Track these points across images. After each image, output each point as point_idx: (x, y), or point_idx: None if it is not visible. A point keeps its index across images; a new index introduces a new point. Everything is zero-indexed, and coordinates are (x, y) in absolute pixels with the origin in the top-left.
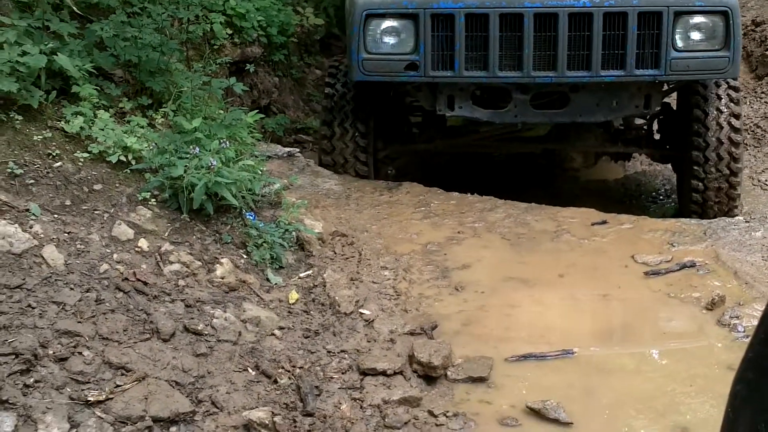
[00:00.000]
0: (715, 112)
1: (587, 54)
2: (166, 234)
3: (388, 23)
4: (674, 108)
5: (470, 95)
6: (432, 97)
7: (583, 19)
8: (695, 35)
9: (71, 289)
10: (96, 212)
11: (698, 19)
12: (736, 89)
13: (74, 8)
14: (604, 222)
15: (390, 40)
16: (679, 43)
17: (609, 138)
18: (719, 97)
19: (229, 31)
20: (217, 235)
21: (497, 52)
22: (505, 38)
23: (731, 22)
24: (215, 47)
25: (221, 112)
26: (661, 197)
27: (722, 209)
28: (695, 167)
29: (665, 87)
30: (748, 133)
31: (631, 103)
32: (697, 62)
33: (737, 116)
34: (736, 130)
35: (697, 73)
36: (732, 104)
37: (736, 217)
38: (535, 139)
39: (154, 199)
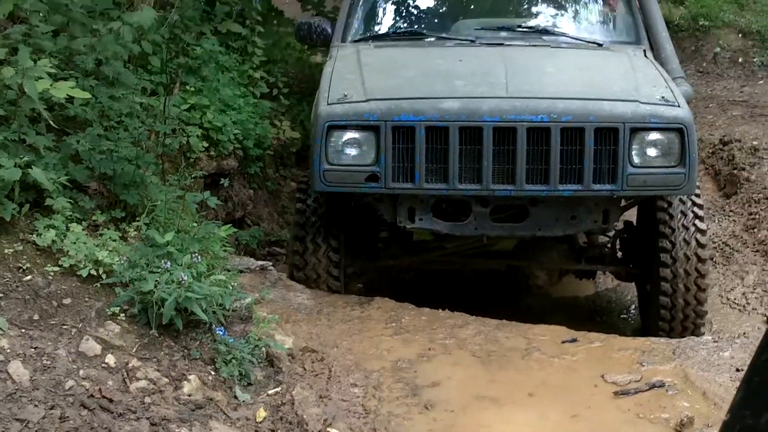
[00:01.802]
0: (681, 229)
1: (545, 168)
2: (134, 350)
3: (349, 135)
4: (635, 225)
5: (431, 207)
6: (393, 209)
7: (541, 134)
8: (651, 151)
9: (35, 405)
10: (64, 327)
11: (654, 135)
12: (700, 206)
13: (51, 122)
14: (574, 340)
15: (351, 151)
16: (636, 159)
17: (573, 255)
18: (684, 214)
19: (206, 144)
20: (185, 350)
21: (457, 165)
22: (465, 151)
23: (686, 139)
24: (191, 160)
25: (195, 225)
26: (631, 314)
27: (688, 327)
28: (662, 284)
29: (623, 203)
30: (717, 251)
31: (590, 218)
32: (654, 178)
33: (703, 232)
34: (702, 246)
35: (654, 189)
36: (697, 221)
37: (705, 337)
38: (500, 254)
39: (123, 314)
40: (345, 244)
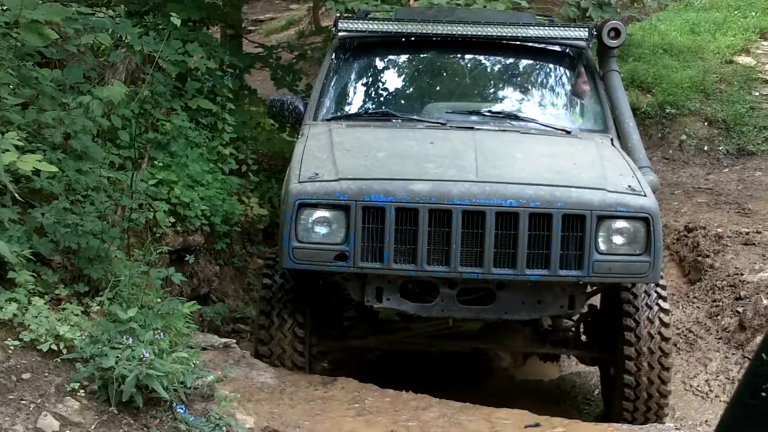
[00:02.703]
0: (645, 308)
1: (513, 252)
2: (93, 426)
3: (319, 213)
4: (599, 309)
5: (398, 288)
6: (361, 288)
7: (509, 218)
8: (617, 239)
9: None
10: (23, 402)
11: (620, 223)
12: (663, 287)
13: (16, 194)
14: (537, 424)
15: (321, 229)
16: (602, 246)
17: (537, 338)
18: (648, 294)
19: (172, 220)
20: (145, 428)
21: (425, 247)
22: (434, 233)
23: (652, 228)
24: (157, 235)
25: (159, 301)
26: (594, 399)
27: (652, 407)
28: (626, 362)
29: (589, 289)
30: (681, 338)
31: (556, 303)
32: (619, 265)
33: (666, 312)
34: (666, 325)
35: (619, 276)
36: (661, 300)
37: (667, 423)
38: (465, 336)
39: (83, 390)
40: (311, 322)
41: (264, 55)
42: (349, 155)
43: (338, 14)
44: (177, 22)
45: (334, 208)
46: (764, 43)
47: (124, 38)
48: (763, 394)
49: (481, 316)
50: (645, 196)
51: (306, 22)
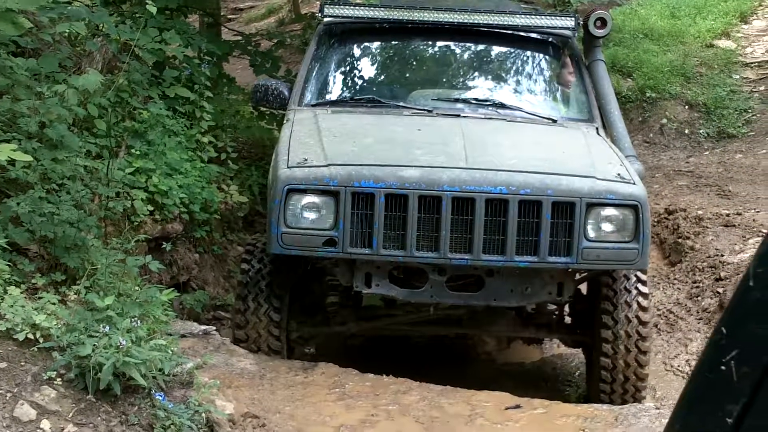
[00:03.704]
0: (624, 305)
1: (502, 239)
2: (71, 415)
3: (308, 199)
4: (585, 293)
5: (387, 274)
6: (349, 273)
7: (499, 205)
8: (606, 226)
9: None
10: None
11: (609, 211)
12: (644, 282)
13: None
14: (517, 406)
15: (310, 215)
16: (591, 234)
17: (521, 322)
18: (628, 290)
19: (151, 208)
20: (123, 416)
21: (415, 233)
22: (423, 219)
23: (641, 215)
24: (135, 223)
25: (137, 289)
26: (576, 381)
27: (629, 390)
28: (602, 358)
29: (577, 276)
30: (662, 319)
31: (544, 290)
32: (608, 252)
33: (645, 309)
34: (644, 324)
35: (607, 263)
36: (640, 298)
37: (648, 403)
38: (449, 322)
39: (60, 379)
40: (293, 308)
41: (242, 42)
42: (337, 141)
43: (318, 2)
44: (153, 10)
45: (324, 193)
46: (744, 26)
47: (100, 27)
48: (723, 368)
49: (470, 302)
50: (634, 184)
51: (286, 10)
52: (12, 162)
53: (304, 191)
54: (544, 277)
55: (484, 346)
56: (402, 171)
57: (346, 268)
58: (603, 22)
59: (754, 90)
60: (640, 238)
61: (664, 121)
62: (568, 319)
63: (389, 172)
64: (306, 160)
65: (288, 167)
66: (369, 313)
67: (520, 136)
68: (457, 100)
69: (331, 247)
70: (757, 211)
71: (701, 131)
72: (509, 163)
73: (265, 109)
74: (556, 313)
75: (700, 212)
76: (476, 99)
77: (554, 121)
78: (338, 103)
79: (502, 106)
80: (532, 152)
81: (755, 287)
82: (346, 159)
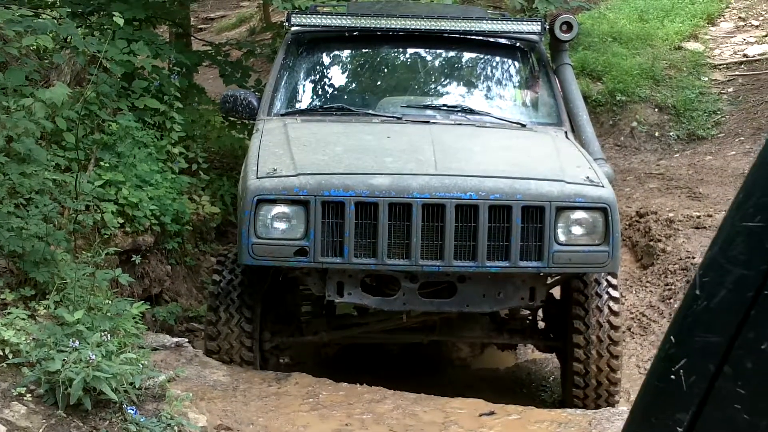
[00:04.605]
0: (595, 297)
1: (473, 245)
2: (41, 430)
3: (278, 209)
4: (558, 298)
5: (359, 282)
6: (321, 283)
7: (469, 211)
8: (576, 230)
9: None
10: None
11: (579, 214)
12: (615, 287)
13: None
14: (491, 413)
15: (280, 225)
16: (561, 237)
17: (495, 328)
18: (599, 295)
19: (121, 220)
20: (95, 430)
21: (386, 240)
22: (394, 227)
23: (610, 218)
24: (106, 237)
25: (107, 302)
26: (550, 386)
27: (602, 395)
28: (575, 363)
29: (549, 280)
30: (634, 322)
31: (516, 294)
32: (579, 256)
33: (616, 314)
34: (616, 328)
35: (578, 267)
36: (611, 302)
37: (621, 407)
38: (423, 329)
39: (30, 395)
40: (266, 318)
41: (212, 53)
42: (306, 150)
43: (285, 11)
44: (120, 21)
45: (293, 203)
46: (712, 28)
47: (68, 40)
48: (672, 377)
49: (443, 308)
50: (603, 187)
51: (257, 19)
52: None
53: (274, 201)
54: (515, 282)
55: (459, 352)
56: (372, 179)
57: (317, 277)
58: (569, 26)
59: (722, 92)
60: (611, 240)
61: (635, 124)
62: (541, 324)
63: (359, 180)
64: (275, 170)
65: (257, 177)
66: (342, 322)
67: (490, 141)
68: (426, 107)
69: (303, 257)
70: None
71: (671, 134)
72: (479, 168)
73: (234, 119)
74: (530, 318)
75: (671, 215)
76: (445, 105)
77: (523, 125)
78: (307, 112)
79: (471, 111)
80: (502, 157)
81: (701, 296)
82: (315, 168)
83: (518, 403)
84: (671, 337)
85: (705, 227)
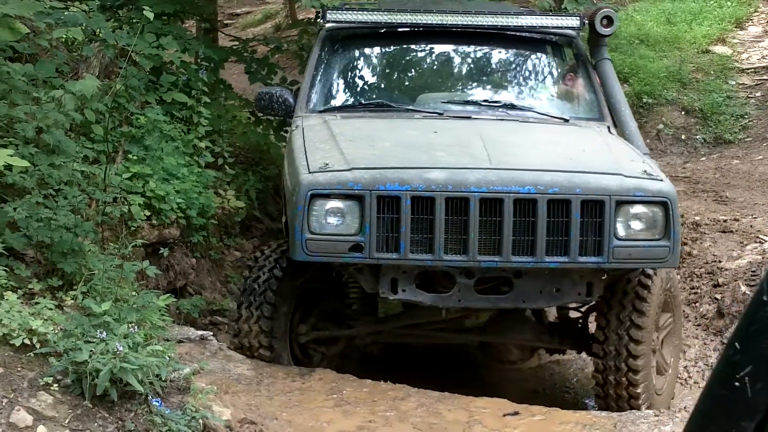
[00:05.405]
0: (622, 321)
1: (532, 239)
2: (67, 420)
3: (332, 204)
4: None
5: (414, 279)
6: (374, 279)
7: (527, 205)
8: (636, 224)
9: None
10: None
11: (639, 208)
12: (644, 286)
13: None
14: (516, 413)
15: (334, 220)
16: (621, 232)
17: (545, 331)
18: (625, 293)
19: (148, 213)
20: (120, 422)
21: (443, 236)
22: (451, 222)
23: (671, 212)
24: (132, 229)
25: (134, 294)
26: (574, 387)
27: (623, 405)
28: (593, 346)
29: (605, 276)
30: None
31: (574, 290)
32: (639, 251)
33: (641, 313)
34: (639, 328)
35: (638, 262)
36: (637, 301)
37: (646, 410)
38: (472, 330)
39: (56, 384)
40: (311, 314)
41: (239, 49)
42: (354, 145)
43: (313, 8)
44: (150, 15)
45: (348, 198)
46: (740, 32)
47: (97, 32)
48: (736, 384)
49: (499, 305)
50: (662, 180)
51: (282, 15)
52: (9, 167)
53: (328, 196)
54: (573, 277)
55: (509, 354)
56: (427, 173)
57: (370, 274)
58: (609, 20)
59: (750, 96)
60: (671, 235)
61: (661, 126)
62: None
63: (414, 175)
64: (327, 164)
65: (309, 172)
66: (389, 320)
67: (536, 135)
68: (467, 102)
69: (358, 252)
70: (755, 217)
71: (698, 137)
72: (534, 162)
73: (271, 117)
74: (580, 322)
75: (697, 218)
76: (486, 100)
77: (566, 120)
78: (346, 108)
79: (513, 107)
80: (554, 151)
81: None
82: (368, 162)
83: (541, 403)
84: (736, 343)
85: (731, 231)
